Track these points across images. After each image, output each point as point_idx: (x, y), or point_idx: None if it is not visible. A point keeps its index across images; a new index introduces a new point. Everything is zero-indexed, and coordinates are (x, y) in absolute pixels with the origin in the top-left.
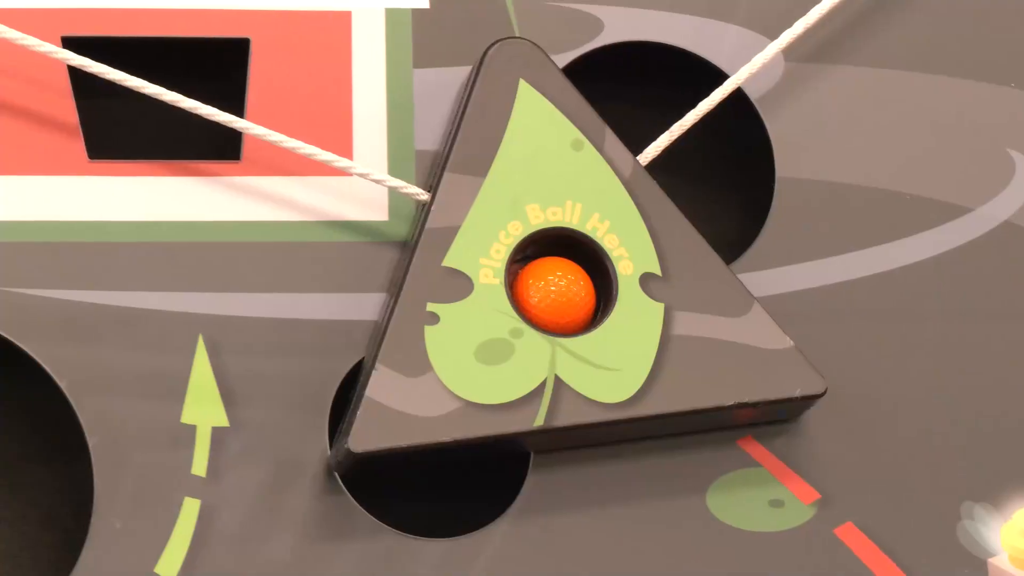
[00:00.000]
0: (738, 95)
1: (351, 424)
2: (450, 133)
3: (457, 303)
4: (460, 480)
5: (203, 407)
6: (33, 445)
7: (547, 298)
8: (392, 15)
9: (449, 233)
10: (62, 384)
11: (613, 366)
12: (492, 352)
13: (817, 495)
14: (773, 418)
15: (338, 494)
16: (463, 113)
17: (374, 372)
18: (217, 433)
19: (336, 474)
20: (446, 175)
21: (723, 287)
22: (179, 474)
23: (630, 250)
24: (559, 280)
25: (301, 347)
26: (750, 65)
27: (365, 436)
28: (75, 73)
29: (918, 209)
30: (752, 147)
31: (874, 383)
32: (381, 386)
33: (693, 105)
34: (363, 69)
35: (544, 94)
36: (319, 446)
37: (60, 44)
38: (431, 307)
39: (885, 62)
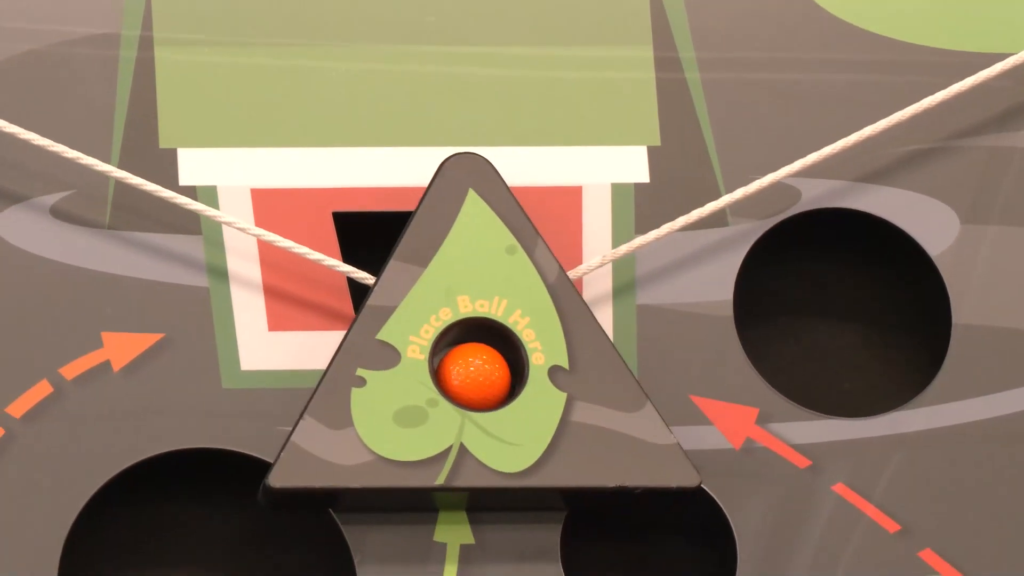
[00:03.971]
0: (919, 254)
1: (275, 462)
2: (404, 227)
3: (384, 371)
4: None
5: (453, 527)
6: (313, 560)
7: (466, 377)
8: (617, 188)
9: (387, 311)
10: (331, 510)
11: (514, 441)
12: (408, 417)
13: None
14: (655, 505)
15: None
16: (416, 211)
17: (301, 421)
18: (465, 549)
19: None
20: (391, 262)
21: (622, 385)
22: None
23: (544, 344)
24: (479, 363)
25: None
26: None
27: (284, 474)
28: (343, 242)
29: None
30: (931, 298)
31: None
32: (306, 433)
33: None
34: (592, 234)
35: (488, 203)
36: (553, 566)
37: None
38: (360, 372)
39: None
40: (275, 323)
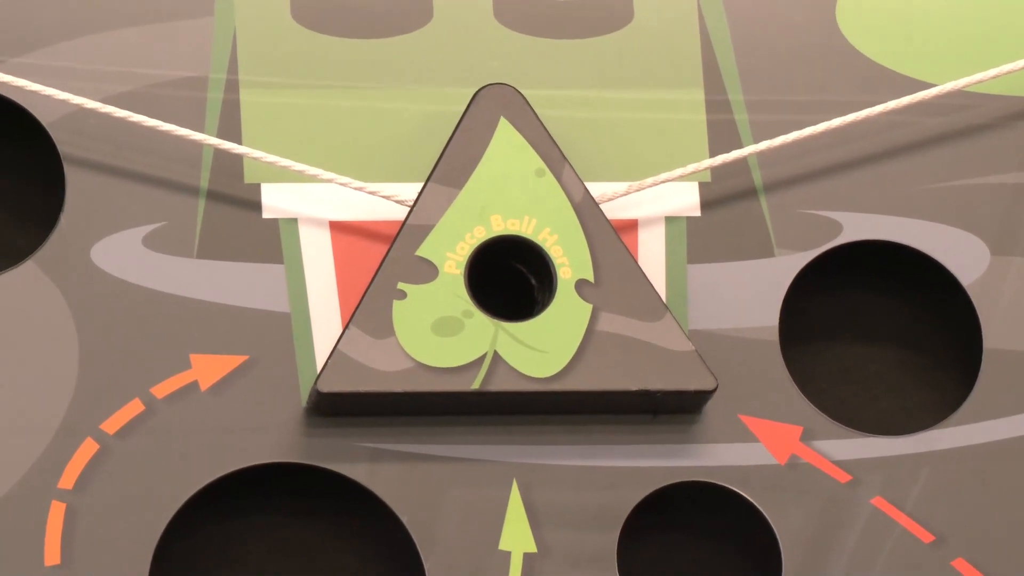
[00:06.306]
0: (953, 283)
1: (322, 369)
2: (441, 153)
3: (423, 285)
4: None
5: (517, 537)
6: (386, 567)
7: None
8: (671, 222)
9: (425, 230)
10: (403, 519)
11: (543, 349)
12: (445, 326)
13: None
14: (677, 410)
15: None
16: (452, 137)
17: (347, 331)
18: (527, 558)
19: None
20: (430, 184)
21: (643, 297)
22: None
23: (571, 259)
24: None
25: (597, 485)
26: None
27: (331, 379)
28: None
29: None
30: (963, 324)
31: None
32: (351, 342)
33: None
34: (647, 265)
35: (519, 130)
36: (610, 574)
37: None
38: (401, 285)
39: None
40: None
